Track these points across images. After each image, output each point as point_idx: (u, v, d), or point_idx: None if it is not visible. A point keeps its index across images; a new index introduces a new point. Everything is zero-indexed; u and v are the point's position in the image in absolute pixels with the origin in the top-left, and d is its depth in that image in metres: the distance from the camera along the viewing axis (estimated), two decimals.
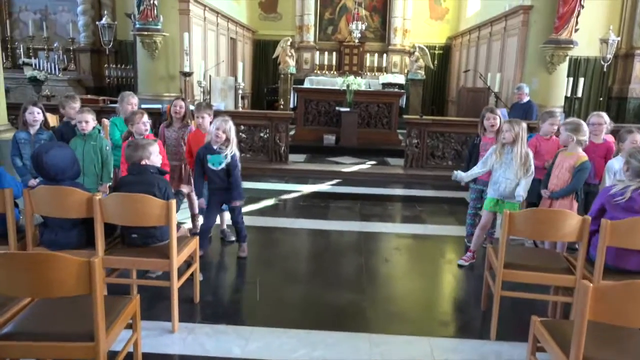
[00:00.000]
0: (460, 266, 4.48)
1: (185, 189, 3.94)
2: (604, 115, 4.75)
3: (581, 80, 9.94)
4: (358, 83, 10.21)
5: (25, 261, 2.17)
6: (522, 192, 4.10)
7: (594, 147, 4.58)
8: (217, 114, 4.77)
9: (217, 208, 4.39)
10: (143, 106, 5.61)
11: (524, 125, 4.14)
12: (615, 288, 2.05)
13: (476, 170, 4.38)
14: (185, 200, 4.96)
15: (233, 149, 4.23)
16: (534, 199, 4.45)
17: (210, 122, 4.43)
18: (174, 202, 3.11)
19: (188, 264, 3.57)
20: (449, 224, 5.79)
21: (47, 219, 3.31)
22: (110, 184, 4.46)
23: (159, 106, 7.65)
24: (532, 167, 4.13)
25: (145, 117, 4.35)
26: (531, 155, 4.16)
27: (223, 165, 4.19)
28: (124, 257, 3.24)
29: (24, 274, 2.15)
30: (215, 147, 4.18)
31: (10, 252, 2.89)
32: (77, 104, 4.91)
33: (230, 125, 4.19)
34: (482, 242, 4.54)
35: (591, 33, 10.71)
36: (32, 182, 4.21)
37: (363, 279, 4.16)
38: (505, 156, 4.14)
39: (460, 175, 4.40)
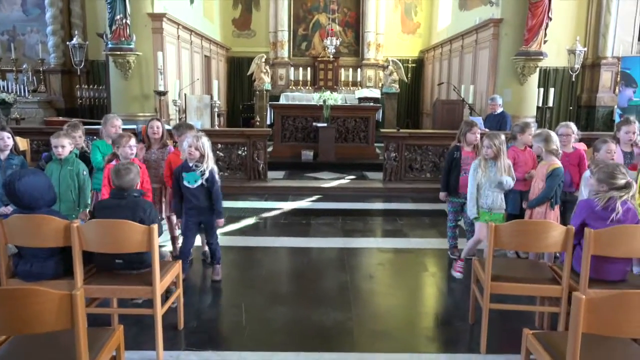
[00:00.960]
0: (455, 278, 4.47)
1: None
2: (572, 124, 4.87)
3: (551, 90, 10.18)
4: (334, 98, 10.25)
5: (0, 296, 2.06)
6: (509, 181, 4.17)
7: (565, 156, 4.67)
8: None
9: (195, 229, 4.28)
10: None
11: (503, 137, 4.19)
12: (607, 300, 2.06)
13: (472, 191, 4.27)
14: (165, 222, 4.86)
15: (210, 165, 4.14)
16: (515, 210, 4.50)
17: None
18: (155, 227, 3.03)
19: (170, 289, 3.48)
20: (430, 237, 5.80)
21: (22, 249, 3.18)
22: (90, 209, 4.34)
23: (134, 126, 7.50)
24: (514, 177, 4.20)
25: (133, 141, 4.23)
26: (511, 165, 4.23)
27: (200, 182, 4.10)
28: (105, 286, 3.13)
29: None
30: (190, 164, 4.11)
31: None
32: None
33: (204, 142, 4.10)
34: (475, 252, 4.53)
35: (559, 44, 11.03)
36: (4, 209, 4.06)
37: (348, 297, 4.12)
38: (489, 170, 4.18)
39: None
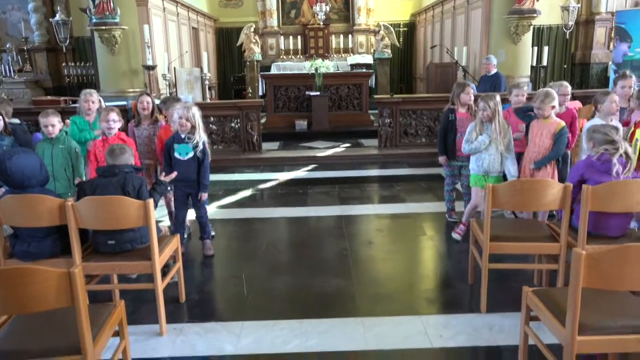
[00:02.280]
0: (456, 241, 4.50)
1: (166, 177, 3.69)
2: (567, 84, 4.84)
3: (545, 48, 10.07)
4: (326, 66, 10.11)
5: (0, 277, 2.04)
6: (512, 171, 4.18)
7: (559, 116, 4.64)
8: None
9: (184, 200, 4.26)
10: (107, 103, 5.40)
11: (498, 98, 4.14)
12: (606, 254, 2.06)
13: (474, 145, 4.23)
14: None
15: (202, 136, 4.10)
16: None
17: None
18: (151, 201, 3.00)
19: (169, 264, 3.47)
20: (428, 201, 5.80)
21: (18, 229, 3.15)
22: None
23: (124, 103, 7.41)
24: (512, 140, 4.16)
25: (112, 115, 4.15)
26: (509, 127, 4.18)
27: (191, 155, 4.06)
28: (103, 263, 3.12)
29: None
30: (182, 135, 4.06)
31: None
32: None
33: (194, 112, 4.04)
34: (473, 215, 4.55)
35: (552, 1, 10.84)
36: None
37: (348, 263, 4.14)
38: (489, 132, 4.14)
39: (467, 148, 4.31)
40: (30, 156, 3.15)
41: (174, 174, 3.79)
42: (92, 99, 4.80)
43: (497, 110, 4.09)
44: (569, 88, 4.81)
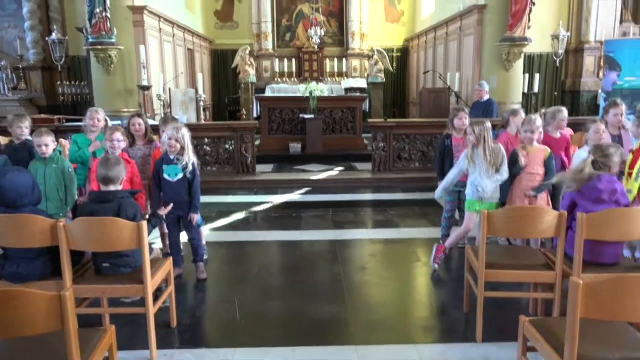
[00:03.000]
0: (434, 270, 4.44)
1: (162, 211, 3.66)
2: (565, 109, 4.90)
3: (537, 76, 10.24)
4: (321, 89, 10.19)
5: None
6: (485, 190, 4.11)
7: (556, 141, 4.69)
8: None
9: (175, 223, 4.20)
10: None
11: (488, 124, 4.12)
12: (604, 284, 2.05)
13: (451, 178, 4.33)
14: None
15: (191, 157, 4.07)
16: (505, 198, 4.48)
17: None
18: (144, 223, 2.96)
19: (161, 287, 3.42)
20: (421, 227, 5.79)
21: (8, 249, 3.09)
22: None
23: (119, 122, 7.38)
24: (505, 166, 4.11)
25: (117, 135, 4.13)
26: (503, 152, 4.12)
27: (180, 176, 4.03)
28: (95, 286, 3.06)
29: None
30: (171, 156, 4.04)
31: None
32: (25, 124, 4.67)
33: (184, 133, 4.02)
34: (458, 242, 4.54)
35: (543, 29, 11.06)
36: None
37: (342, 289, 4.10)
38: (475, 158, 4.15)
39: (440, 191, 4.41)
40: (24, 175, 3.12)
41: (170, 207, 3.74)
42: (98, 117, 4.82)
43: (482, 135, 4.07)
44: (566, 113, 4.87)
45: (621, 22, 11.68)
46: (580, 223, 2.96)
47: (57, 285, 2.96)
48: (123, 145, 4.22)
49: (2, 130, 6.05)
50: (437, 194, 4.49)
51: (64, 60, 10.57)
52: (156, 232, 4.83)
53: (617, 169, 3.29)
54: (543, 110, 4.96)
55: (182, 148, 4.01)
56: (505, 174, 4.10)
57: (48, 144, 4.07)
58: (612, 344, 2.27)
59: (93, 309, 3.30)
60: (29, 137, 4.59)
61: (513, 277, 3.26)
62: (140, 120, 4.72)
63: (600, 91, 11.12)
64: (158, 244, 4.83)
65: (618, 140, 4.64)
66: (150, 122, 5.06)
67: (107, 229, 2.93)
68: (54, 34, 10.41)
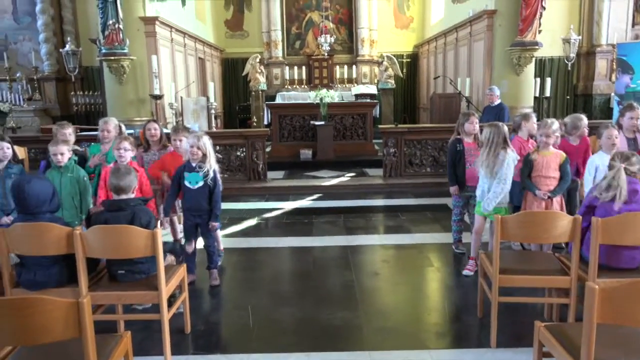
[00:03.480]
0: (466, 276, 4.38)
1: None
2: (584, 117, 4.89)
3: (548, 80, 10.18)
4: (331, 96, 10.21)
5: (6, 307, 2.02)
6: (485, 205, 4.09)
7: (575, 148, 4.69)
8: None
9: (193, 230, 4.25)
10: None
11: (503, 129, 4.10)
12: (620, 289, 2.03)
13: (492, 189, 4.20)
14: (167, 225, 4.82)
15: (212, 164, 4.12)
16: (519, 202, 4.46)
17: None
18: (158, 231, 2.99)
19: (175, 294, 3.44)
20: (434, 232, 5.77)
21: (24, 257, 3.14)
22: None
23: (131, 131, 7.47)
24: (504, 175, 4.05)
25: (125, 144, 4.18)
26: (508, 161, 4.07)
27: (201, 184, 4.08)
28: (110, 292, 3.09)
29: (5, 321, 1.99)
30: (193, 164, 4.08)
31: None
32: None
33: (205, 141, 4.08)
34: (479, 246, 4.50)
35: (554, 33, 11.00)
36: (5, 219, 4.02)
37: (355, 295, 4.09)
38: (486, 161, 4.14)
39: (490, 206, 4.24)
40: (46, 183, 3.20)
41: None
42: (107, 128, 4.82)
43: (491, 139, 4.07)
44: (586, 120, 4.86)
45: (633, 25, 11.58)
46: (595, 227, 2.94)
47: (73, 292, 3.00)
48: (130, 154, 4.24)
49: (17, 140, 6.14)
50: (488, 209, 4.20)
51: (77, 70, 10.71)
52: (169, 237, 4.87)
53: None
54: (562, 120, 4.93)
55: (204, 155, 4.06)
56: (506, 182, 4.05)
57: (64, 152, 4.13)
58: (629, 349, 2.25)
59: (108, 315, 3.34)
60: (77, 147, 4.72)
61: (527, 282, 3.24)
62: (156, 125, 4.80)
63: (612, 94, 11.01)
64: None
65: (633, 143, 4.60)
66: (165, 130, 5.12)
67: (122, 237, 2.96)
68: (67, 46, 10.56)
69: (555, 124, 4.18)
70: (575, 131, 4.73)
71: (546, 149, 4.13)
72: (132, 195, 3.30)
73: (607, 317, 2.06)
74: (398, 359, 3.10)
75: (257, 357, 3.15)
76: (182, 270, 3.44)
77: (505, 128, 4.15)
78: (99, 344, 2.21)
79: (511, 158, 4.10)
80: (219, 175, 4.20)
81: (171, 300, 3.35)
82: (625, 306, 2.05)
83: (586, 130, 4.81)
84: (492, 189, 4.10)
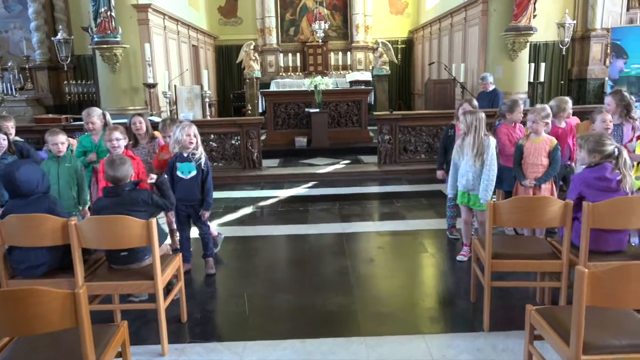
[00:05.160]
0: (460, 262, 4.43)
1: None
2: (569, 99, 4.93)
3: (542, 65, 10.18)
4: (325, 83, 10.19)
5: (2, 298, 2.03)
6: (483, 196, 4.06)
7: (563, 130, 4.72)
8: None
9: (186, 220, 4.28)
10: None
11: (481, 115, 4.11)
12: (609, 272, 2.07)
13: (450, 180, 4.36)
14: (163, 215, 4.84)
15: (202, 151, 4.19)
16: (512, 187, 4.49)
17: None
18: (153, 220, 3.01)
19: (171, 282, 3.47)
20: (428, 218, 5.80)
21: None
22: (89, 204, 4.34)
23: (125, 120, 7.42)
24: (490, 159, 4.06)
25: (116, 134, 4.17)
26: (492, 146, 4.08)
27: (194, 173, 4.10)
28: (106, 283, 3.11)
29: (2, 312, 2.01)
30: (185, 154, 4.09)
31: None
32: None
33: (194, 129, 4.14)
34: (471, 233, 4.53)
35: (548, 18, 10.98)
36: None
37: (350, 281, 4.13)
38: (464, 148, 4.15)
39: (450, 189, 4.37)
40: (33, 167, 3.26)
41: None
42: (91, 120, 4.80)
43: (473, 125, 4.06)
44: (570, 103, 4.90)
45: (628, 9, 11.56)
46: (586, 212, 2.97)
47: (69, 283, 3.02)
48: (123, 142, 4.23)
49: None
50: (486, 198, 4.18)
51: (69, 59, 10.62)
52: (165, 228, 4.88)
53: None
54: (548, 104, 4.95)
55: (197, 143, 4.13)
56: (492, 167, 4.06)
57: (63, 142, 4.14)
58: (618, 330, 2.29)
59: (105, 305, 3.35)
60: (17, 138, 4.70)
61: (519, 266, 3.28)
62: (141, 119, 4.80)
63: (607, 79, 11.04)
64: (167, 240, 4.89)
65: (619, 129, 4.62)
66: (156, 119, 5.11)
67: (118, 227, 2.97)
68: (59, 34, 10.45)
69: (545, 110, 4.20)
70: (562, 113, 4.76)
71: (537, 135, 4.16)
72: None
73: (596, 300, 2.10)
74: (392, 344, 3.15)
75: (253, 344, 3.18)
76: (178, 260, 3.46)
77: (483, 114, 4.14)
78: (95, 334, 2.23)
79: (493, 142, 4.14)
80: (209, 164, 4.24)
81: (169, 288, 3.38)
82: (614, 289, 2.09)
83: (570, 112, 4.87)
84: (482, 177, 4.08)
